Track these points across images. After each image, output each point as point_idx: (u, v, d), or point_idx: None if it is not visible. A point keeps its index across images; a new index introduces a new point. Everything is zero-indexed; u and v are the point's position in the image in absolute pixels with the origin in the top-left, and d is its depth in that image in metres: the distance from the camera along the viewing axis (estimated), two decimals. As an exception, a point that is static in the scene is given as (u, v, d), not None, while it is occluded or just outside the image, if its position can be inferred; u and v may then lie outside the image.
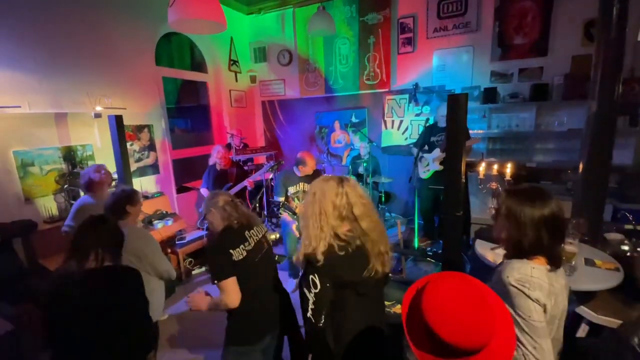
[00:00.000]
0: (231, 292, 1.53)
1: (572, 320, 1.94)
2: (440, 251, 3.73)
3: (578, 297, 1.89)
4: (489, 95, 4.03)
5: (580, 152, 2.10)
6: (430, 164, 3.81)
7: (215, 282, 1.53)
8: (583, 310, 1.82)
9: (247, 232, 1.64)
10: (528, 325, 1.04)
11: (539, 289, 1.05)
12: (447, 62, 4.41)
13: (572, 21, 3.72)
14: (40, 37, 2.96)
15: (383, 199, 4.47)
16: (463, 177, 2.22)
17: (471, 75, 4.31)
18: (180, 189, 4.59)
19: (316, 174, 3.19)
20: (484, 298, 0.75)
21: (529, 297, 1.04)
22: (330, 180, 1.30)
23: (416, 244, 3.78)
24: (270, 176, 4.80)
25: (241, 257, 1.56)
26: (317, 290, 1.24)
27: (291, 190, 3.17)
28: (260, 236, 1.70)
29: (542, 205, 1.09)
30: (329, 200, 1.24)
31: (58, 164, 3.16)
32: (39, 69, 2.97)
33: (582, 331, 1.84)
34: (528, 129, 4.00)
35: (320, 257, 1.20)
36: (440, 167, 3.76)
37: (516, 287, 1.06)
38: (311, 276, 1.25)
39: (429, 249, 3.81)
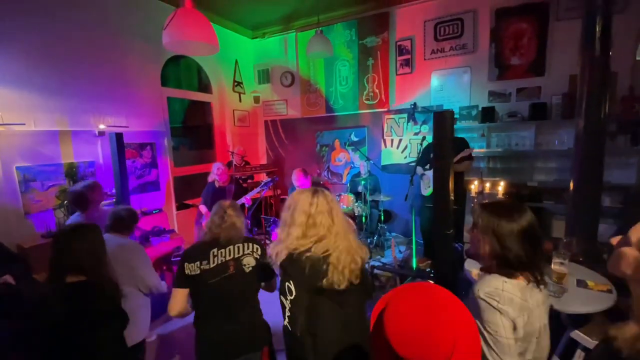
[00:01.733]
0: (174, 301, 1.54)
1: (569, 347, 1.84)
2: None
3: (572, 322, 1.79)
4: (487, 115, 4.03)
5: (570, 170, 2.06)
6: (432, 184, 3.76)
7: None
8: (578, 335, 1.73)
9: (214, 249, 1.56)
10: (495, 340, 1.00)
11: (509, 304, 1.01)
12: (445, 82, 4.46)
13: (568, 41, 3.74)
14: (48, 57, 3.13)
15: (382, 217, 4.41)
16: (452, 195, 2.20)
17: (469, 95, 4.33)
18: (181, 206, 4.64)
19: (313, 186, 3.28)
20: (445, 311, 0.74)
21: (498, 310, 1.00)
22: (305, 191, 1.35)
23: (414, 264, 3.70)
24: (269, 193, 4.81)
25: (194, 273, 1.52)
26: (292, 297, 1.24)
27: None
28: (229, 258, 1.57)
29: (518, 217, 1.07)
30: (301, 209, 1.29)
31: (60, 179, 3.25)
32: (46, 88, 3.12)
33: (578, 357, 1.74)
34: (528, 148, 3.96)
35: (284, 259, 1.27)
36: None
37: (485, 301, 1.03)
38: (287, 283, 1.26)
39: (428, 269, 3.71)
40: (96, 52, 3.51)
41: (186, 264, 1.53)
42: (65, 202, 3.16)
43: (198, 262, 1.52)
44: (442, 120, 1.96)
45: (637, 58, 3.31)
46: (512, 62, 4.07)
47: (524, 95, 4.05)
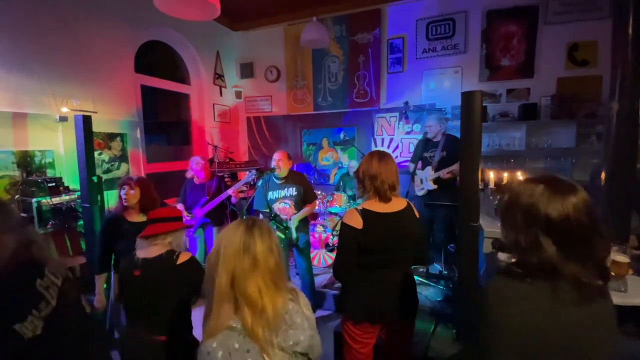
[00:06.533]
0: None
1: None
2: (433, 272, 3.49)
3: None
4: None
5: (604, 157, 1.98)
6: (424, 183, 3.66)
7: None
8: None
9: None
10: None
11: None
12: (436, 81, 4.43)
13: (556, 45, 3.85)
14: (3, 26, 2.64)
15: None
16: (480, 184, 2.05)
17: (460, 94, 4.31)
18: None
19: (292, 175, 2.93)
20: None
21: None
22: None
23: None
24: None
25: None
26: None
27: (270, 196, 2.89)
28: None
29: (553, 199, 0.76)
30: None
31: (10, 170, 2.73)
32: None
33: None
34: (518, 148, 3.99)
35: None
36: (434, 186, 3.61)
37: None
38: None
39: (422, 269, 3.57)
40: (62, 26, 3.05)
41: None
42: (17, 196, 2.64)
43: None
44: (471, 101, 1.80)
45: None
46: (503, 64, 4.13)
47: (514, 96, 4.10)
